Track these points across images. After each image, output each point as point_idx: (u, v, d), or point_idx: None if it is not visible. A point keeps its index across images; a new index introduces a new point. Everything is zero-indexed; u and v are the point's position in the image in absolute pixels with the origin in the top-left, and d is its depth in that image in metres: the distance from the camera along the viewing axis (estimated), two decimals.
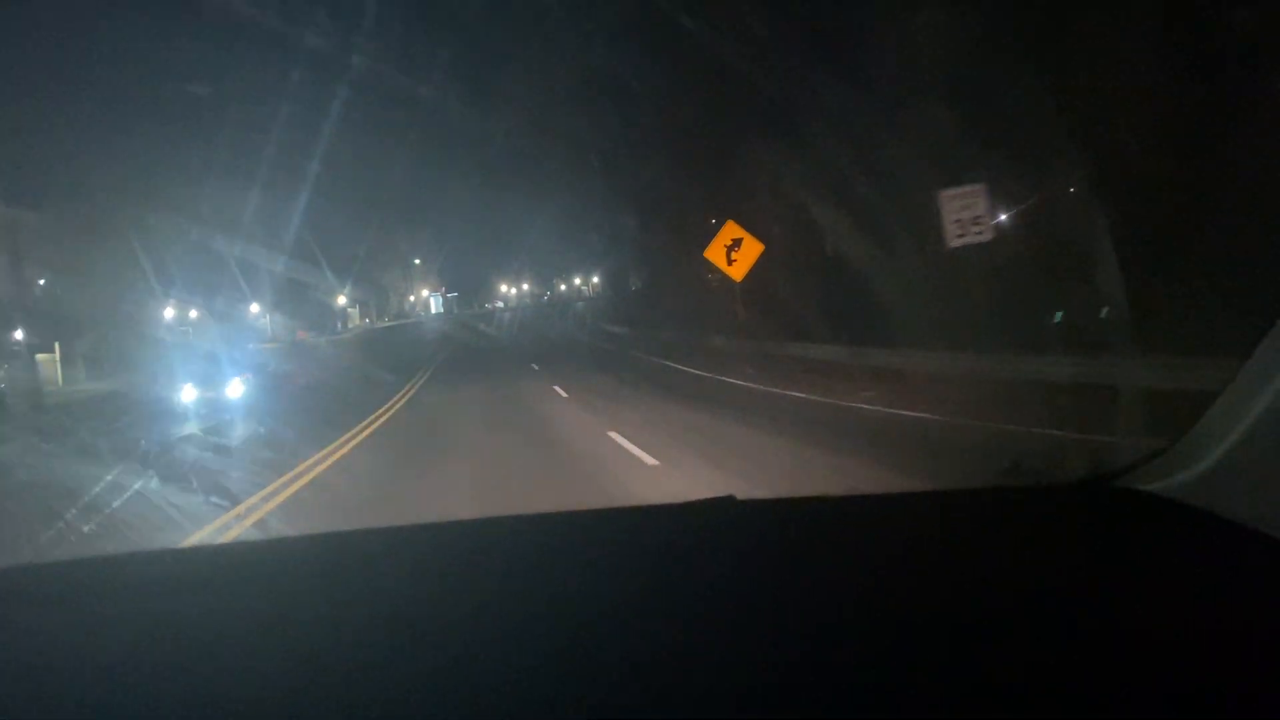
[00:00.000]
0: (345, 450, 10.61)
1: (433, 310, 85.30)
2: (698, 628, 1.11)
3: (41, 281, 38.95)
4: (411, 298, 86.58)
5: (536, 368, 22.89)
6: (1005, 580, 1.21)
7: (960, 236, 9.13)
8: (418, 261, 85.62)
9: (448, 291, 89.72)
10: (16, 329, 27.59)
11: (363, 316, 72.67)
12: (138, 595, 1.51)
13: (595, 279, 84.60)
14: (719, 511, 1.76)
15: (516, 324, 55.44)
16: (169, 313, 41.44)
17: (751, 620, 1.13)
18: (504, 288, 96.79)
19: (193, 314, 51.96)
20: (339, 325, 62.43)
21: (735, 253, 17.98)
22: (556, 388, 16.27)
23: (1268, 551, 1.13)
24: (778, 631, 1.08)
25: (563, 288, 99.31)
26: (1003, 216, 10.90)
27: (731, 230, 17.98)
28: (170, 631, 1.27)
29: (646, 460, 7.84)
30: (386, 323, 73.50)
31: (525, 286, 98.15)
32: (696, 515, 1.77)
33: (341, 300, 63.42)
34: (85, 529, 6.43)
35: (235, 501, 7.34)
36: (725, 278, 18.86)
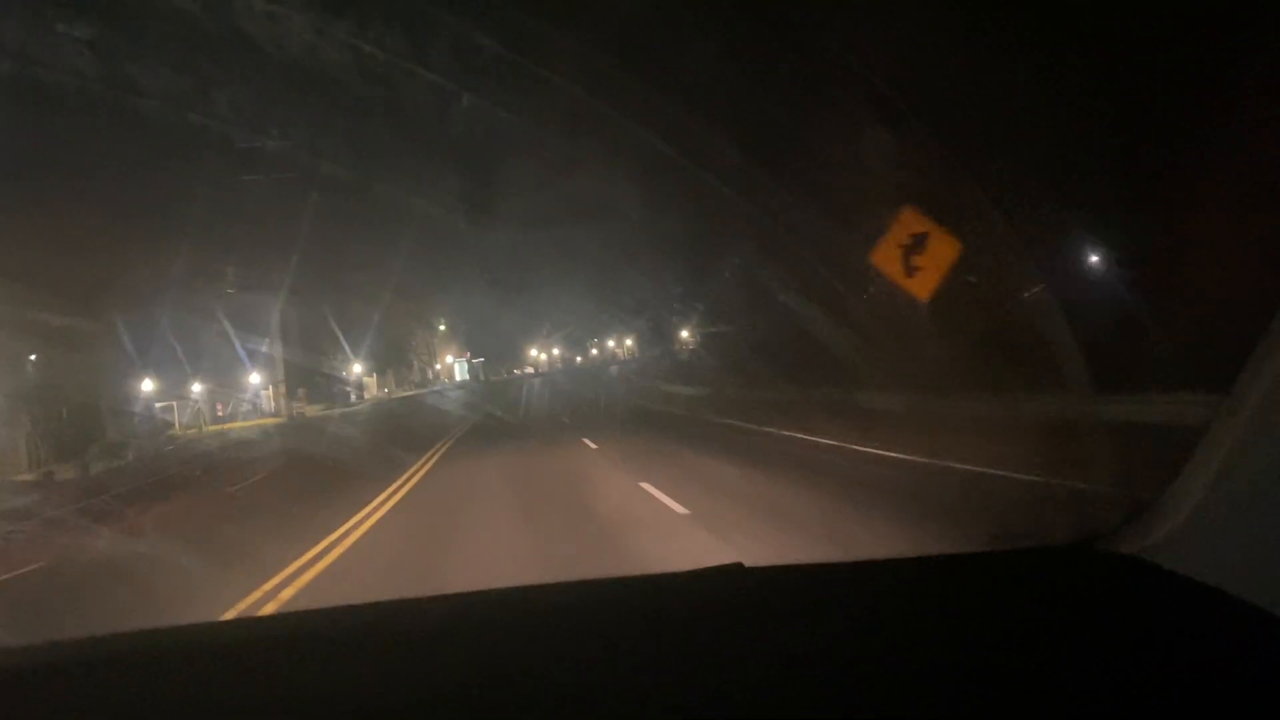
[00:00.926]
0: None
1: (457, 377, 79.33)
2: (706, 691, 1.18)
3: (33, 356, 33.98)
4: (438, 365, 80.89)
5: (594, 445, 15.73)
6: (1000, 649, 1.27)
7: None
8: (442, 327, 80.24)
9: (473, 357, 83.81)
10: None
11: (381, 385, 66.30)
12: (192, 666, 1.53)
13: (629, 341, 78.74)
14: (727, 579, 1.80)
15: (550, 388, 48.51)
16: (146, 388, 35.50)
17: (755, 684, 1.19)
18: (533, 352, 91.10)
19: (195, 388, 46.54)
20: (353, 396, 56.19)
21: (918, 256, 11.04)
22: (646, 486, 9.39)
23: (1238, 616, 1.18)
24: (778, 693, 1.14)
25: (594, 351, 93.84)
26: None
27: (911, 222, 11.16)
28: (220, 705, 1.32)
29: None
30: (407, 391, 67.31)
31: (555, 351, 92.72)
32: (705, 583, 1.80)
33: (356, 369, 57.24)
34: None
35: None
36: (878, 298, 12.31)
